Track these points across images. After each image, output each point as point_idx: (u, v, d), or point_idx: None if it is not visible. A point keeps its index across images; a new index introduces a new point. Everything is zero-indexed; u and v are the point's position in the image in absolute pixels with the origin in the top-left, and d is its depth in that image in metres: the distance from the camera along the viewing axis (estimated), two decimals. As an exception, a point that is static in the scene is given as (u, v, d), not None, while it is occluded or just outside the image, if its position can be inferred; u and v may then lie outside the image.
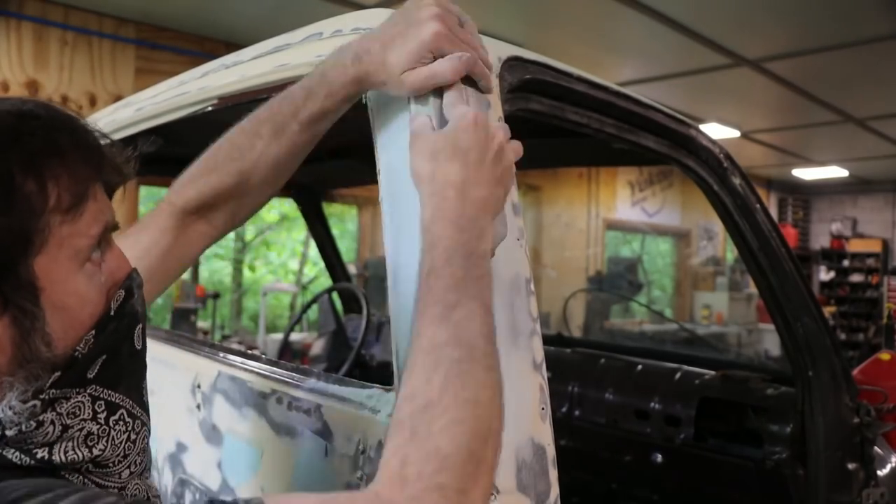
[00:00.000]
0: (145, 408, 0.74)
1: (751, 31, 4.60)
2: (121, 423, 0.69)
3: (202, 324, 6.07)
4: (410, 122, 0.78)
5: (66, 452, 0.64)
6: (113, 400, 0.68)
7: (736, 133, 7.48)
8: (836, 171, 10.09)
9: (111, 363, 0.68)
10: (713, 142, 1.43)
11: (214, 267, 10.99)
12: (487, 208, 0.71)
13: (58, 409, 0.64)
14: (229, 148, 0.95)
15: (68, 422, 0.65)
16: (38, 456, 0.63)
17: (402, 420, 0.61)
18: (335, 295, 3.06)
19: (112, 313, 0.68)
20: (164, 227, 0.98)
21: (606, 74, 4.66)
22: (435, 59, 0.78)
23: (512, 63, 0.96)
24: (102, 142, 0.69)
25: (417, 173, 0.74)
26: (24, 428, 0.62)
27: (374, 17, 0.94)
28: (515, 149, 0.78)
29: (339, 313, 2.99)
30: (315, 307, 3.09)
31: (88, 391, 0.66)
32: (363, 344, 2.67)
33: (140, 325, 0.73)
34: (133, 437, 0.70)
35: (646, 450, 2.05)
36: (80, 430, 0.65)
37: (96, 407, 0.67)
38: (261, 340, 6.01)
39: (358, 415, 0.85)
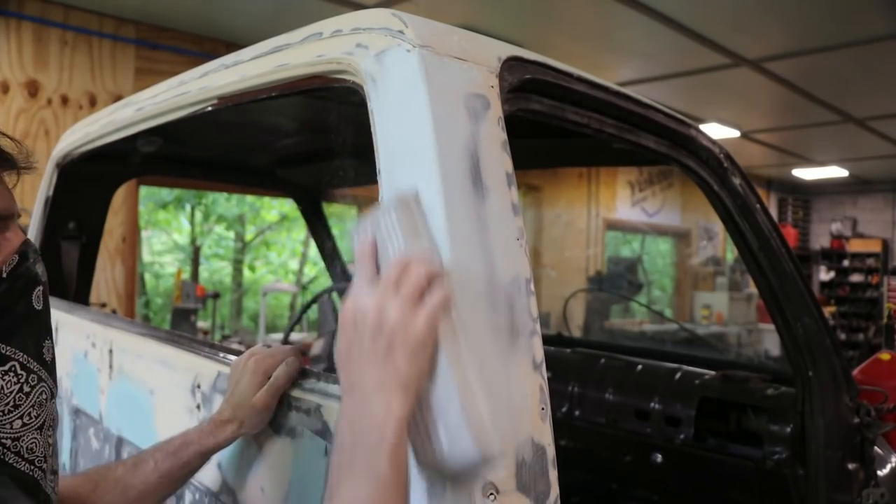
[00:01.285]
0: (46, 366, 0.79)
1: (751, 31, 4.60)
2: (11, 373, 0.75)
3: (202, 324, 6.08)
4: None
5: None
6: (3, 352, 0.74)
7: (736, 133, 7.48)
8: (836, 171, 10.10)
9: (3, 318, 0.75)
10: (713, 142, 1.43)
11: (214, 267, 10.99)
12: (380, 384, 0.71)
13: None
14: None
15: None
16: None
17: None
18: (335, 295, 3.06)
19: (4, 275, 0.76)
20: None
21: (606, 74, 4.67)
22: None
23: (512, 63, 0.96)
24: None
25: None
26: None
27: (375, 17, 0.94)
28: (434, 304, 0.72)
29: (339, 313, 2.98)
30: (315, 307, 3.09)
31: None
32: (363, 344, 2.66)
33: (40, 287, 0.80)
34: (27, 389, 0.76)
35: (646, 450, 2.05)
36: None
37: None
38: (261, 340, 6.01)
39: (358, 415, 0.85)
